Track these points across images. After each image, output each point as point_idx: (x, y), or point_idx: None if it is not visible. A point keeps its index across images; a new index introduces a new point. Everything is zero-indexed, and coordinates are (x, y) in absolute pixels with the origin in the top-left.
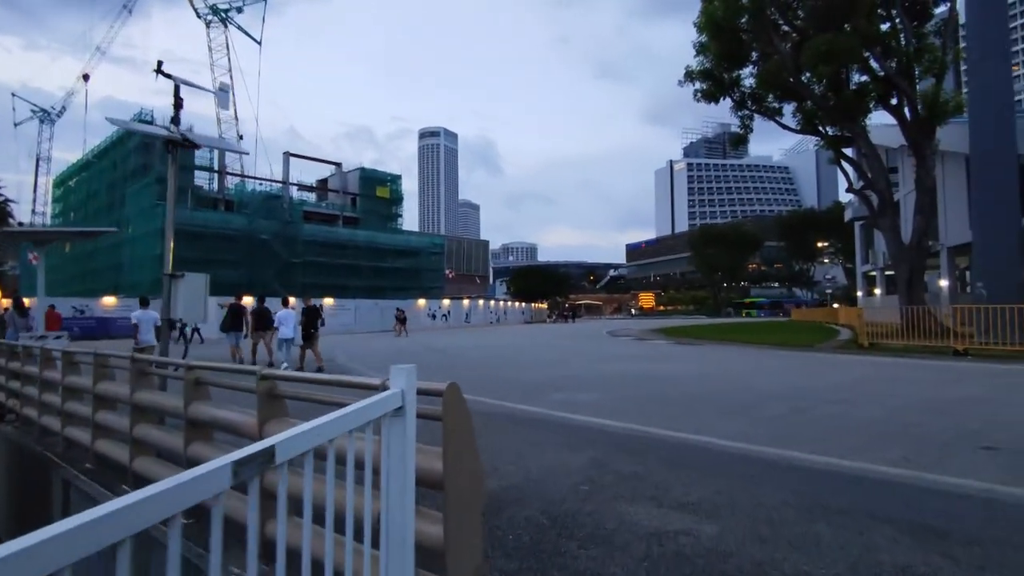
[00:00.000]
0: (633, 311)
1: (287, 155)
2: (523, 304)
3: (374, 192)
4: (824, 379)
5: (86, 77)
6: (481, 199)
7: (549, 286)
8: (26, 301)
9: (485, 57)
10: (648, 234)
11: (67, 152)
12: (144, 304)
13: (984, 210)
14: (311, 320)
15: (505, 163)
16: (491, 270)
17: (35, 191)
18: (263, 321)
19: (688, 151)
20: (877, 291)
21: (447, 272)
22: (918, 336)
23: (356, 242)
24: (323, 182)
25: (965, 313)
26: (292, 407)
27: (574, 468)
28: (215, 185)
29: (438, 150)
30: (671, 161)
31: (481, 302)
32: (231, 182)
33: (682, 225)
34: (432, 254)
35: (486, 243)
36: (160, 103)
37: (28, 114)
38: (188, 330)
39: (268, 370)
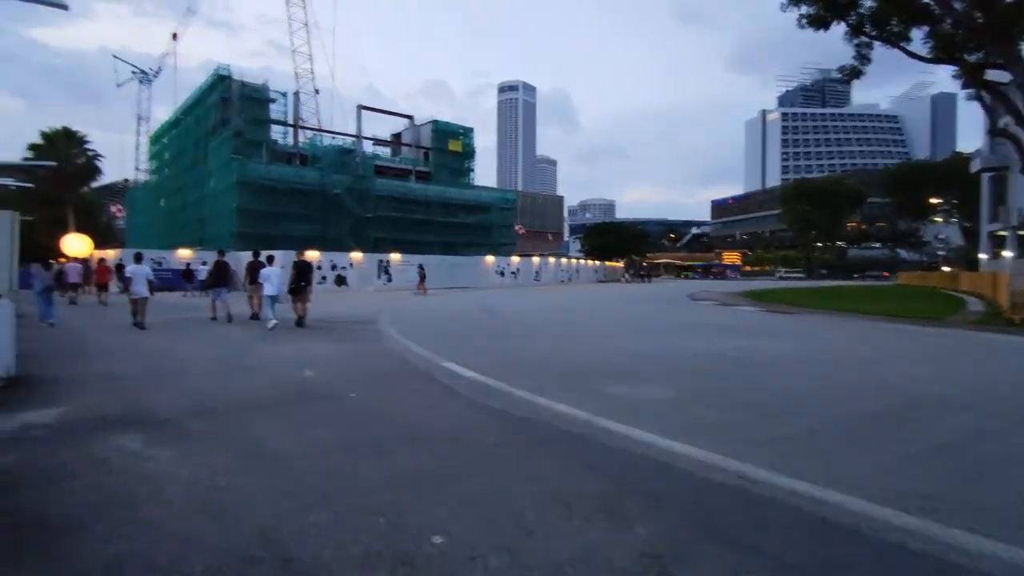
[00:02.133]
0: (729, 273)
1: (360, 108)
2: (597, 262)
3: (446, 146)
4: (1005, 374)
5: (175, 36)
6: (557, 155)
7: (625, 244)
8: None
9: (561, 4)
10: (735, 190)
11: (167, 111)
12: (138, 260)
13: None
14: (301, 274)
15: (581, 117)
16: (566, 227)
17: (137, 149)
18: (255, 275)
19: (783, 100)
20: (1007, 253)
21: (517, 228)
22: None
23: (427, 197)
24: (396, 136)
25: None
26: None
27: None
28: (291, 139)
29: (516, 104)
30: (764, 111)
31: (552, 260)
32: (306, 137)
33: (774, 180)
34: (503, 209)
35: (560, 199)
36: (255, 64)
37: (129, 75)
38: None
39: None
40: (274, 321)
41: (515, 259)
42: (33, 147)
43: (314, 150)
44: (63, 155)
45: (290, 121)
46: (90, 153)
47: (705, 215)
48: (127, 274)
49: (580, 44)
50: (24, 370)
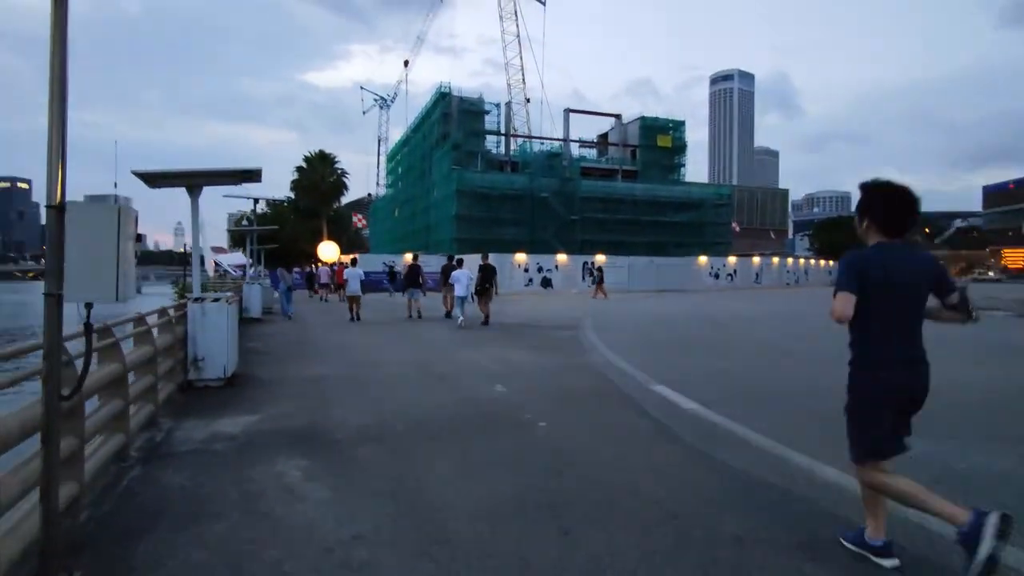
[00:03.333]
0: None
1: (567, 112)
2: (828, 262)
3: (655, 142)
4: None
5: (406, 63)
6: (776, 145)
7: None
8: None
9: None
10: (1017, 172)
11: (401, 132)
12: (353, 263)
13: None
14: (486, 277)
15: (804, 101)
16: (790, 223)
17: (377, 167)
18: (447, 278)
19: None
20: None
21: (733, 226)
22: None
23: (634, 196)
24: (603, 137)
25: None
26: None
27: None
28: (503, 148)
29: (731, 95)
30: None
31: (776, 260)
32: (516, 144)
33: None
34: (717, 206)
35: (784, 192)
36: (474, 82)
37: (371, 103)
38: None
39: None
40: (462, 319)
41: (732, 259)
42: (298, 168)
43: (524, 156)
44: (319, 174)
45: (502, 131)
46: (340, 171)
47: (972, 204)
48: (344, 276)
49: (800, 23)
50: (246, 367)
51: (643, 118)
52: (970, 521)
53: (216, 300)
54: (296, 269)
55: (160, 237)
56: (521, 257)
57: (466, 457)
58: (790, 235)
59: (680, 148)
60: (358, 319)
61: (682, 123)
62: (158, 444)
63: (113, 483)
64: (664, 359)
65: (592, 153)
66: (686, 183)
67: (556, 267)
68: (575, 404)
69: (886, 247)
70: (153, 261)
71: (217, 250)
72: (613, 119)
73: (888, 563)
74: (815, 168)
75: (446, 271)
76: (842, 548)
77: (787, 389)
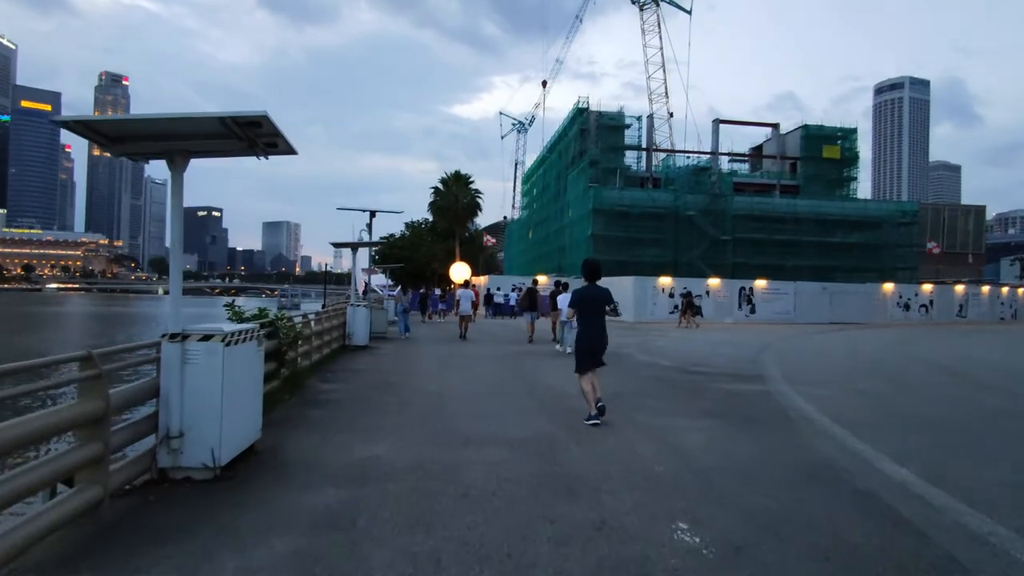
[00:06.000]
0: None
1: (716, 122)
2: None
3: (819, 153)
4: None
5: (544, 83)
6: (953, 158)
7: None
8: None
9: None
10: None
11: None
12: (465, 285)
13: None
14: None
15: (983, 108)
16: (982, 246)
17: (514, 191)
18: (555, 302)
19: None
20: None
21: (930, 247)
22: None
23: (796, 213)
24: (756, 149)
25: None
26: None
27: None
28: (644, 164)
29: (900, 105)
30: None
31: (985, 289)
32: (659, 160)
33: None
34: (900, 225)
35: (980, 209)
36: (613, 106)
37: (509, 127)
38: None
39: None
40: (570, 350)
41: (926, 287)
42: (435, 189)
43: (667, 172)
44: (454, 195)
45: (643, 145)
46: (474, 192)
47: None
48: (456, 296)
49: (976, 21)
50: (280, 433)
51: (806, 127)
52: None
53: (232, 335)
54: (421, 290)
55: (322, 259)
56: (666, 280)
57: None
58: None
59: (851, 160)
60: (464, 338)
61: (853, 131)
62: None
63: None
64: (953, 454)
65: (743, 168)
66: (860, 199)
67: (707, 293)
68: None
69: None
70: (318, 281)
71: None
72: (769, 129)
73: None
74: (999, 184)
75: (553, 296)
76: None
77: None
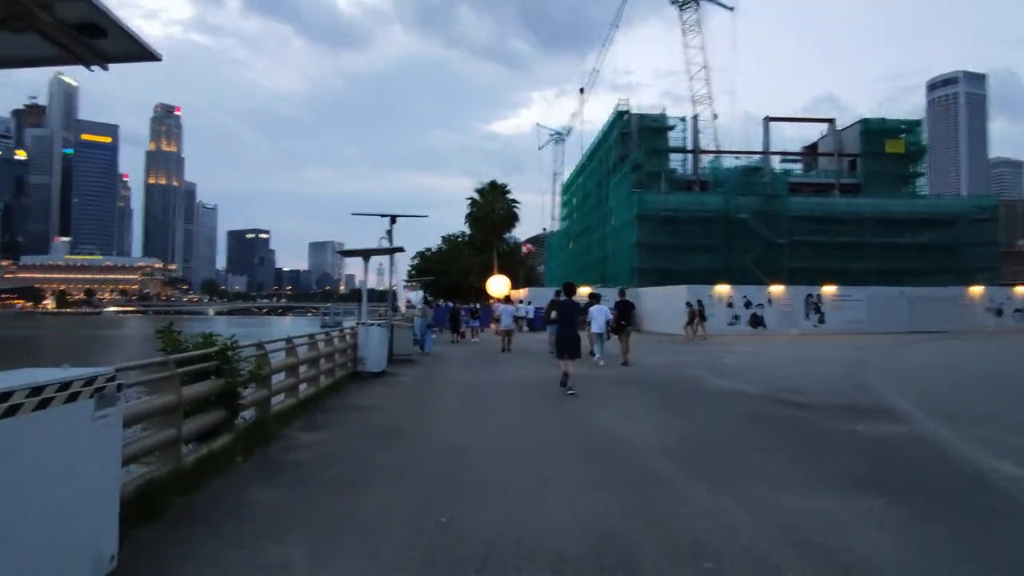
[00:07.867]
0: None
1: (767, 120)
2: None
3: (881, 148)
4: None
5: (581, 90)
6: (1014, 154)
7: None
8: (517, 292)
9: None
10: None
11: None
12: (507, 300)
13: None
14: (623, 314)
15: None
16: None
17: (553, 205)
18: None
19: None
20: None
21: (1022, 245)
22: None
23: (858, 213)
24: (810, 147)
25: None
26: None
27: None
28: (690, 167)
29: (955, 101)
30: None
31: None
32: (706, 162)
33: None
34: (978, 221)
35: None
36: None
37: (547, 138)
38: None
39: None
40: (603, 361)
41: (1019, 290)
42: (471, 201)
43: (715, 174)
44: (490, 205)
45: (688, 147)
46: (511, 202)
47: None
48: (496, 313)
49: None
50: (165, 554)
51: (865, 120)
52: None
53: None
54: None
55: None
56: (723, 289)
57: None
58: None
59: (917, 154)
60: (508, 350)
61: (917, 123)
62: None
63: None
64: None
65: (797, 168)
66: (928, 196)
67: (769, 301)
68: None
69: None
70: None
71: (407, 287)
72: (824, 125)
73: None
74: None
75: (585, 308)
76: None
77: None
